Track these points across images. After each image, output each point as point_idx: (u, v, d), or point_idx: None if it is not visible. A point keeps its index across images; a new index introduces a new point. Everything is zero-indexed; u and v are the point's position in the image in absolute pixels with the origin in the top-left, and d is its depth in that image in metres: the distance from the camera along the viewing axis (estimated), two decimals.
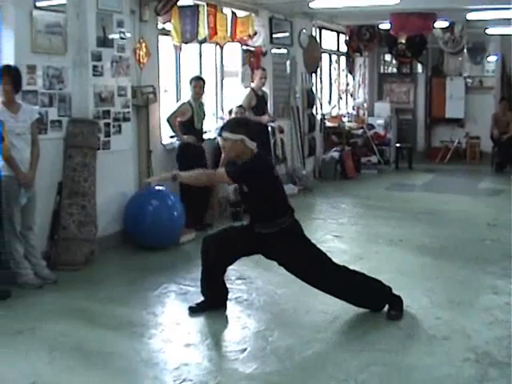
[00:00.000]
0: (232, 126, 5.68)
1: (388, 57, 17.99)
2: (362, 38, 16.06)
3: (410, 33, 14.99)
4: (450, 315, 5.81)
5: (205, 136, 9.45)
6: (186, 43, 9.56)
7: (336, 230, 9.23)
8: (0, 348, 5.16)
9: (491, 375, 4.63)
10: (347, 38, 16.01)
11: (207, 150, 9.38)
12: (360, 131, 15.61)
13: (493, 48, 17.36)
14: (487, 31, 15.98)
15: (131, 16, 8.32)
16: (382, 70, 18.39)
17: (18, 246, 6.57)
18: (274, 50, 12.38)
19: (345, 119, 15.88)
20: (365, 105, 17.14)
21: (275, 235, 5.58)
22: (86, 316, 5.87)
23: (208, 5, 9.88)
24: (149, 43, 8.70)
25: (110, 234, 8.06)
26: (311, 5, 11.78)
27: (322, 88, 15.11)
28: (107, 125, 7.93)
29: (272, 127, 11.54)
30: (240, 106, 10.15)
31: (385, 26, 14.96)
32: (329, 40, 15.71)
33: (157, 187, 8.36)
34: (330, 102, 15.91)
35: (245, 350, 5.11)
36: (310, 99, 13.69)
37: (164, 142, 9.27)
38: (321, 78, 14.96)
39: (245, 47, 11.56)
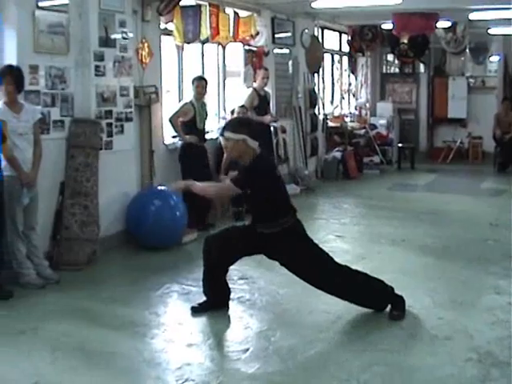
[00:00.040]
0: (234, 125, 5.67)
1: (390, 57, 17.98)
2: (365, 37, 16.05)
3: (412, 33, 14.98)
4: (453, 315, 5.81)
5: (207, 136, 9.46)
6: (188, 43, 9.57)
7: (338, 230, 9.22)
8: (2, 348, 5.17)
9: (493, 375, 4.62)
10: (349, 37, 16.00)
11: (209, 149, 9.39)
12: (362, 131, 15.61)
13: (495, 48, 17.37)
14: (489, 31, 15.99)
15: (133, 16, 8.32)
16: (384, 70, 18.39)
17: (20, 245, 6.58)
18: (277, 50, 12.39)
19: (347, 119, 15.88)
20: (367, 105, 17.13)
21: (277, 235, 5.57)
22: (89, 316, 5.87)
23: (210, 5, 9.88)
24: (151, 43, 8.71)
25: (112, 234, 8.06)
26: (313, 5, 11.78)
27: (324, 88, 15.11)
28: (109, 125, 7.94)
29: (274, 127, 11.52)
30: (242, 106, 10.15)
31: (387, 25, 14.97)
32: (331, 40, 15.71)
33: (159, 187, 8.39)
34: (332, 102, 15.91)
35: (247, 349, 5.11)
36: (313, 99, 13.69)
37: (166, 142, 9.28)
38: (323, 78, 14.96)
39: (247, 47, 11.56)
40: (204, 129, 9.29)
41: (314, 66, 13.80)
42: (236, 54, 11.54)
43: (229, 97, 11.30)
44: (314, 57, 13.70)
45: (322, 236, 8.47)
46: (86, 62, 7.60)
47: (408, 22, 13.25)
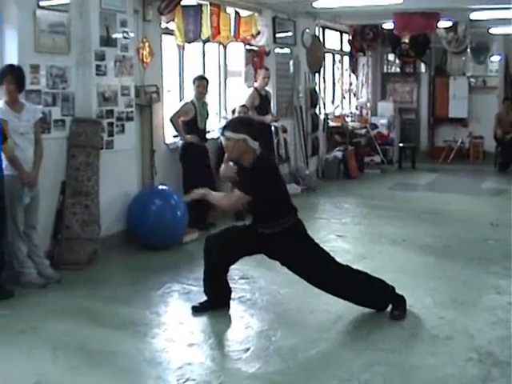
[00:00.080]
0: (235, 125, 5.66)
1: (391, 56, 18.00)
2: (366, 37, 16.05)
3: (413, 32, 14.97)
4: (453, 315, 5.81)
5: (208, 136, 9.46)
6: (189, 43, 9.57)
7: (339, 230, 9.23)
8: (3, 347, 5.17)
9: (494, 375, 4.62)
10: (350, 37, 16.00)
11: (210, 149, 9.38)
12: (363, 131, 15.61)
13: (496, 48, 17.37)
14: (490, 31, 15.99)
15: (134, 15, 8.33)
16: (385, 70, 18.40)
17: (21, 245, 6.58)
18: (278, 50, 12.39)
19: (348, 119, 15.88)
20: (368, 104, 17.12)
21: (278, 235, 5.57)
22: (89, 315, 5.87)
23: (211, 4, 9.88)
24: (152, 43, 8.71)
25: (113, 234, 8.06)
26: (314, 4, 11.78)
27: (325, 88, 15.11)
28: (110, 124, 7.94)
29: (275, 127, 11.53)
30: (243, 106, 10.15)
31: (388, 25, 14.97)
32: (332, 40, 15.72)
33: (160, 186, 8.40)
34: (333, 102, 15.90)
35: (248, 349, 5.11)
36: (314, 99, 13.69)
37: (167, 142, 9.28)
38: (324, 78, 14.96)
39: (248, 47, 11.56)
40: (205, 128, 9.30)
41: (315, 65, 13.80)
42: (237, 53, 11.54)
43: (230, 96, 11.30)
44: (315, 56, 13.70)
45: (322, 236, 8.48)
46: (86, 62, 7.61)
47: (409, 22, 13.25)
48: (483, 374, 4.63)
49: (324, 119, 14.55)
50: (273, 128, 11.35)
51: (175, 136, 9.28)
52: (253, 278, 6.87)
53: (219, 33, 10.05)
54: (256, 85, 11.06)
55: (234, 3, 10.78)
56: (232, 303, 6.06)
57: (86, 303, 6.19)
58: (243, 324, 5.69)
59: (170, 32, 9.30)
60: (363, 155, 15.05)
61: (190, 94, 9.38)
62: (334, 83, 15.99)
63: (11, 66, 6.56)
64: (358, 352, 5.03)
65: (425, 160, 16.84)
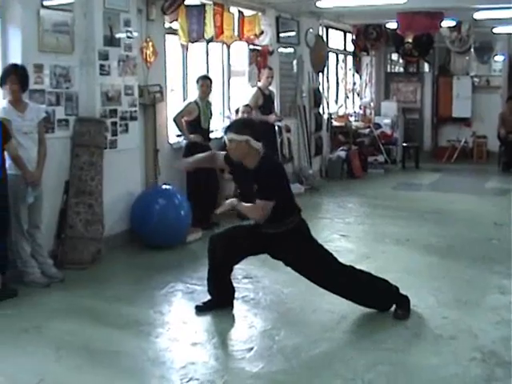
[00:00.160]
0: (237, 126, 5.64)
1: (395, 56, 17.97)
2: (369, 37, 16.03)
3: (416, 32, 14.97)
4: (457, 315, 5.81)
5: (211, 135, 9.46)
6: (193, 42, 9.57)
7: (343, 230, 9.22)
8: (7, 346, 5.18)
9: (498, 375, 4.62)
10: (354, 37, 16.00)
11: (214, 149, 9.36)
12: (367, 130, 15.60)
13: (500, 47, 17.35)
14: (494, 30, 15.97)
15: (138, 15, 8.33)
16: (388, 70, 18.38)
17: (24, 244, 6.59)
18: (281, 49, 12.39)
19: (351, 118, 15.88)
20: (371, 104, 17.13)
21: (282, 235, 5.56)
22: (93, 315, 5.88)
23: (215, 4, 9.89)
24: (156, 42, 8.71)
25: (116, 233, 8.07)
26: (318, 4, 11.79)
27: (328, 87, 15.11)
28: (114, 124, 7.94)
29: (279, 126, 11.53)
30: (247, 105, 10.15)
31: (392, 25, 14.96)
32: (335, 39, 15.72)
33: (163, 186, 8.40)
34: (336, 102, 15.91)
35: (251, 348, 5.11)
36: (317, 98, 13.69)
37: (171, 141, 9.29)
38: (327, 78, 14.96)
39: (252, 46, 11.57)
40: (208, 128, 9.30)
41: (319, 65, 13.80)
42: (240, 53, 11.54)
43: (233, 96, 11.31)
44: (319, 56, 13.70)
45: (326, 235, 8.48)
46: (90, 61, 7.61)
47: (412, 22, 13.24)
48: (487, 374, 4.63)
49: (327, 119, 14.54)
50: (276, 128, 11.35)
51: (179, 135, 9.29)
52: (256, 278, 6.87)
53: (223, 32, 10.06)
54: (259, 84, 11.05)
55: (237, 3, 10.79)
56: (236, 302, 6.06)
57: (89, 302, 6.20)
58: (247, 323, 5.69)
59: (173, 32, 9.31)
60: (367, 155, 15.05)
61: (193, 94, 9.38)
62: (337, 83, 16.00)
63: (15, 65, 6.57)
64: (362, 351, 5.03)
65: (428, 160, 16.82)
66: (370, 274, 5.84)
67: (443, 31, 15.49)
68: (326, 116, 14.43)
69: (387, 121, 16.21)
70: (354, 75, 16.83)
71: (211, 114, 9.36)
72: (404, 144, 16.29)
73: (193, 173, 8.68)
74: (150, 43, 8.60)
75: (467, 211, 10.49)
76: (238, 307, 6.04)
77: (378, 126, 16.00)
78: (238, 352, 5.09)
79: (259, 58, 11.69)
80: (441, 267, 7.39)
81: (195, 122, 9.03)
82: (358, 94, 17.14)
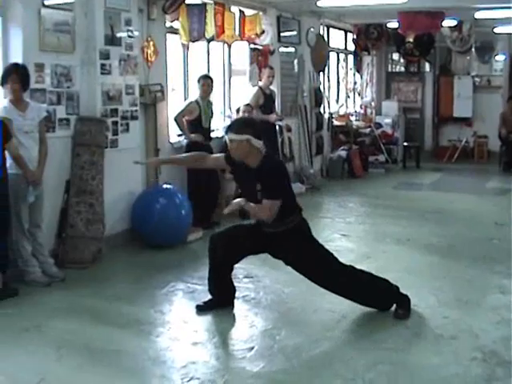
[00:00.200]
0: (237, 126, 5.62)
1: (396, 55, 17.95)
2: (370, 36, 16.04)
3: (417, 31, 14.96)
4: (458, 314, 5.81)
5: (212, 134, 9.46)
6: (194, 42, 9.56)
7: (343, 229, 9.23)
8: (8, 346, 5.18)
9: (498, 374, 4.62)
10: (355, 36, 15.99)
11: (215, 148, 9.37)
12: (368, 130, 15.60)
13: (501, 47, 17.34)
14: (495, 30, 15.96)
15: (139, 14, 8.33)
16: (389, 69, 18.37)
17: (25, 243, 6.59)
18: (282, 49, 12.39)
19: (352, 118, 15.88)
20: (372, 104, 17.13)
21: (283, 234, 5.56)
22: (94, 314, 5.88)
23: (215, 3, 9.88)
24: (157, 41, 8.72)
25: (117, 233, 8.07)
26: (319, 3, 11.78)
27: (329, 87, 15.12)
28: (115, 123, 7.94)
29: (280, 126, 11.52)
30: (248, 105, 10.15)
31: (393, 24, 14.97)
32: (336, 39, 15.71)
33: (164, 185, 8.41)
34: (337, 101, 15.91)
35: (252, 348, 5.11)
36: (318, 98, 13.68)
37: (172, 141, 9.28)
38: (328, 77, 14.97)
39: (252, 46, 11.55)
40: (209, 127, 9.30)
41: (320, 64, 13.79)
42: (241, 52, 11.54)
43: (234, 95, 11.30)
44: (320, 55, 13.70)
45: (327, 235, 8.48)
46: (91, 61, 7.61)
47: (414, 21, 13.23)
48: (487, 374, 4.63)
49: (328, 118, 14.54)
50: (277, 127, 11.35)
51: (179, 135, 9.29)
52: (257, 277, 6.87)
53: (224, 32, 10.06)
54: (260, 84, 11.05)
55: (238, 2, 10.78)
56: (236, 302, 6.07)
57: (90, 302, 6.20)
58: (247, 323, 5.70)
59: (174, 31, 9.31)
60: (367, 154, 15.05)
61: (194, 93, 9.38)
62: (338, 82, 16.00)
63: (16, 64, 6.57)
64: (362, 351, 5.04)
65: (429, 159, 16.82)
66: (371, 273, 5.84)
67: (444, 31, 15.48)
68: (326, 115, 14.43)
69: (388, 120, 16.22)
70: (354, 75, 16.82)
71: (212, 114, 9.36)
72: (405, 144, 16.28)
73: (194, 172, 8.70)
74: (151, 42, 8.61)
75: (468, 211, 10.49)
76: (239, 307, 6.04)
77: (379, 125, 16.00)
78: (239, 351, 5.09)
79: (260, 58, 11.68)
80: (441, 267, 7.39)
81: (196, 121, 9.03)
82: (359, 94, 17.14)
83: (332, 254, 5.76)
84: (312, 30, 13.30)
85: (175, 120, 8.98)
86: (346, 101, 16.44)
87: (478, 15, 13.63)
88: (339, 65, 16.05)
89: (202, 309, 5.91)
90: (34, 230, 6.68)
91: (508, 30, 15.84)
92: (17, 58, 6.81)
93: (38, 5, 6.97)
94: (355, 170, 14.17)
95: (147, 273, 7.12)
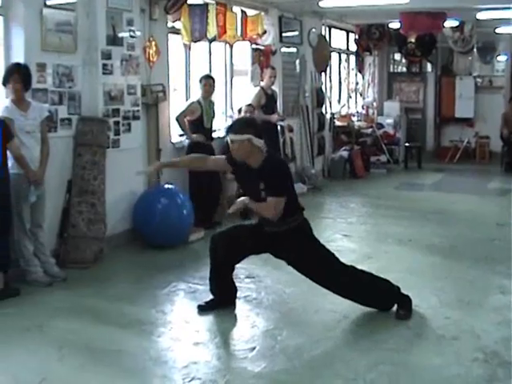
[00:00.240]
0: (238, 126, 5.62)
1: (397, 56, 17.99)
2: (372, 36, 16.04)
3: (419, 32, 14.97)
4: (459, 315, 5.80)
5: (214, 135, 9.46)
6: (196, 42, 9.57)
7: (345, 230, 9.22)
8: (9, 345, 5.18)
9: (500, 375, 4.62)
10: (357, 36, 15.99)
11: (216, 148, 9.38)
12: (369, 130, 15.60)
13: (503, 47, 17.34)
14: (497, 30, 15.94)
15: (141, 14, 8.33)
16: (391, 69, 18.39)
17: (27, 243, 6.60)
18: (284, 49, 12.39)
19: (354, 118, 15.87)
20: (374, 104, 17.12)
21: (284, 234, 5.56)
22: (95, 314, 5.88)
23: (217, 3, 9.89)
24: (158, 42, 8.71)
25: (119, 233, 8.07)
26: (321, 4, 11.78)
27: (331, 87, 15.11)
28: (117, 123, 7.95)
29: (281, 126, 11.53)
30: (249, 105, 10.15)
31: (394, 25, 14.97)
32: (338, 39, 15.71)
33: (166, 185, 8.41)
34: (339, 101, 15.89)
35: (253, 348, 5.11)
36: (320, 98, 13.68)
37: (173, 141, 9.29)
38: (330, 77, 14.96)
39: (254, 46, 11.55)
40: (211, 127, 9.30)
41: (322, 64, 13.79)
42: (243, 52, 11.53)
43: (236, 95, 11.30)
44: (322, 56, 13.70)
45: (328, 235, 8.48)
46: (93, 61, 7.61)
47: (415, 21, 13.23)
48: (489, 374, 4.63)
49: (330, 118, 14.54)
50: (279, 127, 11.35)
51: (181, 135, 9.29)
52: (259, 277, 6.87)
53: (225, 32, 10.07)
54: (262, 84, 11.05)
55: (240, 2, 10.78)
56: (238, 302, 6.07)
57: (91, 302, 6.20)
58: (249, 323, 5.69)
59: (176, 31, 9.31)
60: (369, 155, 15.05)
61: (196, 93, 9.39)
62: (340, 82, 15.98)
63: (18, 64, 6.57)
64: (364, 351, 5.03)
65: (431, 160, 16.82)
66: (372, 274, 5.84)
67: (446, 31, 15.47)
68: (328, 116, 14.42)
69: (390, 121, 16.22)
70: (356, 75, 16.83)
71: (214, 114, 9.35)
72: (406, 144, 16.28)
73: (195, 173, 8.69)
74: (153, 43, 8.61)
75: (470, 211, 10.48)
76: (240, 307, 6.04)
77: (381, 125, 15.99)
78: (240, 352, 5.09)
79: (262, 58, 11.68)
80: (443, 267, 7.39)
81: (198, 121, 9.03)
82: (361, 94, 17.13)
83: (333, 254, 5.75)
84: (314, 30, 13.29)
85: (177, 120, 8.98)
86: (348, 101, 16.43)
87: (480, 16, 13.62)
88: (341, 65, 16.04)
89: (203, 309, 5.91)
90: (36, 230, 6.68)
91: (510, 31, 15.82)
92: (19, 57, 6.81)
93: (39, 5, 6.98)
94: (357, 170, 14.16)
95: (149, 273, 7.12)
